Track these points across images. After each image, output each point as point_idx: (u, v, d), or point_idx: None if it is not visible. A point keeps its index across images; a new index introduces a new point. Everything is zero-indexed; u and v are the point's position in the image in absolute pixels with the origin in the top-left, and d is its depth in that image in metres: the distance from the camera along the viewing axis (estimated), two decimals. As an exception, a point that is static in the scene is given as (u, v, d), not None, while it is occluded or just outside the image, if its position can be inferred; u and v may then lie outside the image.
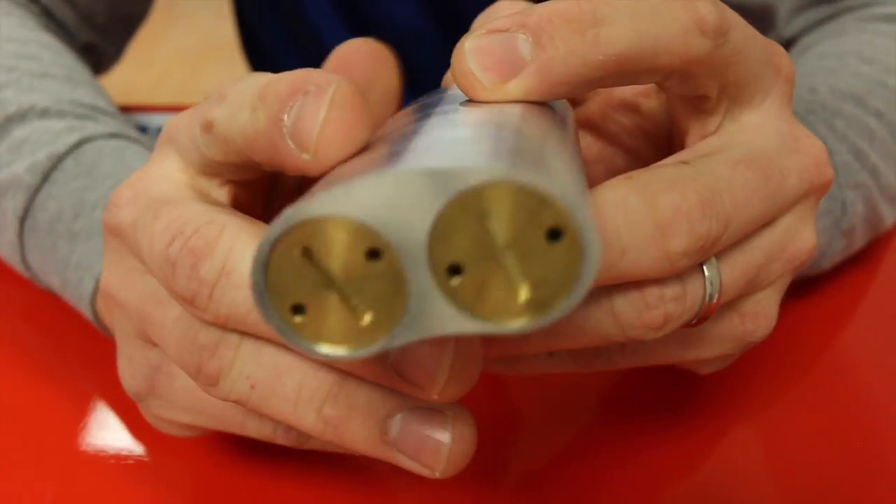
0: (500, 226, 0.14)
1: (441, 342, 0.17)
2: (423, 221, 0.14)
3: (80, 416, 0.28)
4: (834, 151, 0.32)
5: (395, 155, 0.15)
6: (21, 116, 0.32)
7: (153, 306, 0.20)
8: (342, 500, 0.25)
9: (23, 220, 0.30)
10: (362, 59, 0.25)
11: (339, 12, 0.57)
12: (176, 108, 0.45)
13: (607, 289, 0.19)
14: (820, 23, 0.43)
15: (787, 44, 0.45)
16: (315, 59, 0.59)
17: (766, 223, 0.21)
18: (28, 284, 0.33)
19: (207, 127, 0.19)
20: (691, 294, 0.19)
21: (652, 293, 0.19)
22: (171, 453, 0.27)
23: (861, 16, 0.41)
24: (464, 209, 0.14)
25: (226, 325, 0.18)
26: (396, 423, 0.18)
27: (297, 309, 0.15)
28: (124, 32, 0.48)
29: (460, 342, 0.17)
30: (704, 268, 0.20)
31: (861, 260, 0.35)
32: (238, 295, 0.18)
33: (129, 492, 0.25)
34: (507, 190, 0.13)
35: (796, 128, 0.22)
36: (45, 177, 0.30)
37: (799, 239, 0.21)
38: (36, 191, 0.30)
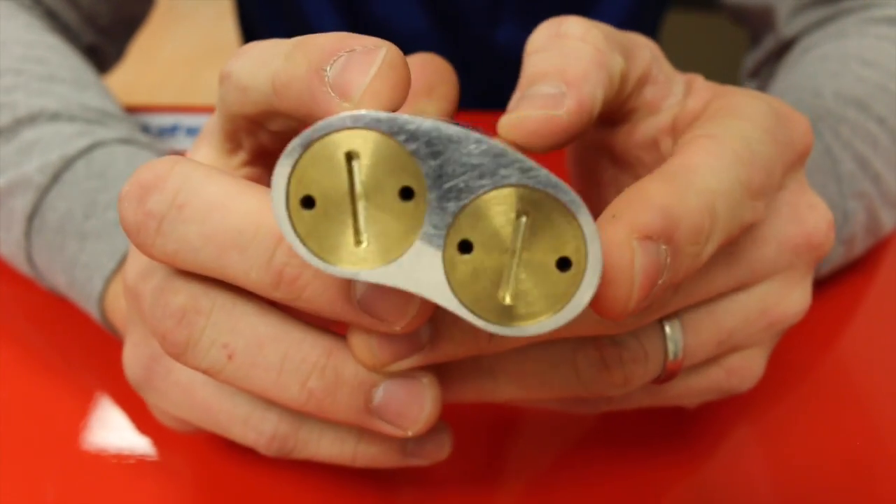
0: (527, 233, 0.15)
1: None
2: (468, 192, 0.14)
3: (81, 414, 0.28)
4: (838, 160, 0.32)
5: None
6: (31, 119, 0.32)
7: (140, 280, 0.20)
8: (343, 498, 0.25)
9: (31, 218, 0.31)
10: (425, 69, 0.24)
11: (339, 13, 0.57)
12: (176, 109, 0.45)
13: (571, 346, 0.20)
14: (820, 23, 0.43)
15: (788, 43, 0.45)
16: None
17: (738, 288, 0.21)
18: (30, 283, 0.33)
19: (225, 77, 0.19)
20: (652, 354, 0.20)
21: (611, 354, 0.20)
22: (173, 452, 0.27)
23: (862, 18, 0.41)
24: (504, 202, 0.14)
25: (174, 262, 0.18)
26: (380, 391, 0.19)
27: (307, 202, 0.15)
28: (126, 33, 0.48)
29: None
30: (667, 329, 0.20)
31: (861, 263, 0.35)
32: (190, 228, 0.17)
33: (131, 490, 0.26)
34: (551, 204, 0.14)
35: (798, 196, 0.21)
36: (56, 177, 0.31)
37: (784, 303, 0.21)
38: (46, 190, 0.30)
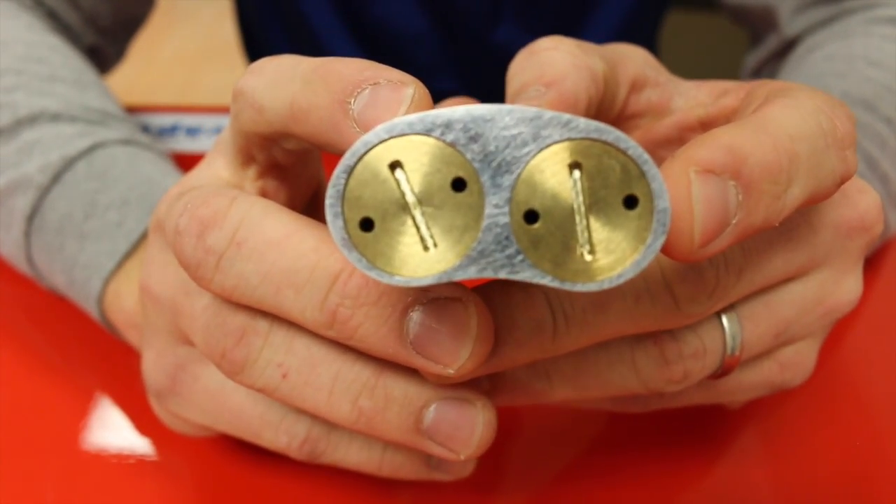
0: (584, 183, 0.14)
1: (463, 316, 0.17)
2: (517, 162, 0.14)
3: (81, 414, 0.28)
4: None
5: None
6: (32, 120, 0.32)
7: (183, 296, 0.20)
8: (344, 498, 0.25)
9: (31, 218, 0.31)
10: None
11: (339, 13, 0.57)
12: (176, 109, 0.45)
13: (629, 344, 0.20)
14: (824, 23, 0.43)
15: (791, 43, 0.45)
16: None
17: (795, 276, 0.21)
18: (30, 283, 0.33)
19: (239, 94, 0.19)
20: (711, 349, 0.20)
21: (671, 349, 0.20)
22: (173, 452, 0.27)
23: (866, 17, 0.41)
24: (554, 160, 0.14)
25: (231, 298, 0.18)
26: (431, 412, 0.18)
27: (366, 224, 0.15)
28: (127, 34, 0.48)
29: (479, 317, 0.17)
30: (725, 323, 0.20)
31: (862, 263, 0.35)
32: (248, 266, 0.18)
33: (131, 490, 0.26)
34: (599, 147, 0.14)
35: (852, 181, 0.21)
36: (57, 177, 0.31)
37: (839, 291, 0.21)
38: (46, 190, 0.30)
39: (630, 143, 0.14)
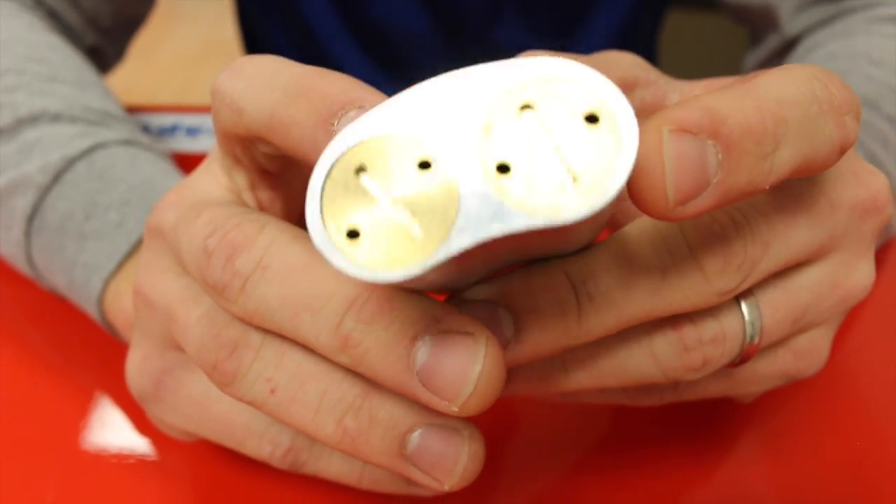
0: (544, 115, 0.14)
1: (471, 352, 0.17)
2: (471, 123, 0.14)
3: (81, 414, 0.28)
4: None
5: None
6: (32, 120, 0.32)
7: (179, 304, 0.20)
8: (343, 497, 0.25)
9: (31, 218, 0.31)
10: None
11: (339, 13, 0.57)
12: (176, 109, 0.45)
13: (647, 330, 0.19)
14: (825, 22, 0.43)
15: (792, 42, 0.45)
16: (315, 58, 0.59)
17: (813, 259, 0.20)
18: (30, 283, 0.33)
19: (216, 93, 0.19)
20: (730, 335, 0.19)
21: (690, 335, 0.19)
22: (173, 452, 0.27)
23: (867, 16, 0.41)
24: (505, 106, 0.14)
25: (251, 320, 0.18)
26: (415, 438, 0.18)
27: (352, 234, 0.15)
28: (127, 34, 0.48)
29: (488, 356, 0.17)
30: (744, 309, 0.20)
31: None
32: (270, 289, 0.18)
33: (131, 490, 0.26)
34: (540, 82, 0.14)
35: (857, 163, 0.21)
36: (57, 177, 0.31)
37: (854, 276, 0.21)
38: (46, 190, 0.30)
39: (571, 64, 0.14)
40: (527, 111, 0.14)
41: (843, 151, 0.18)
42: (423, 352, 0.17)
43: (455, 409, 0.17)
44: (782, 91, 0.17)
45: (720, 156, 0.16)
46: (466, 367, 0.16)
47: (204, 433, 0.22)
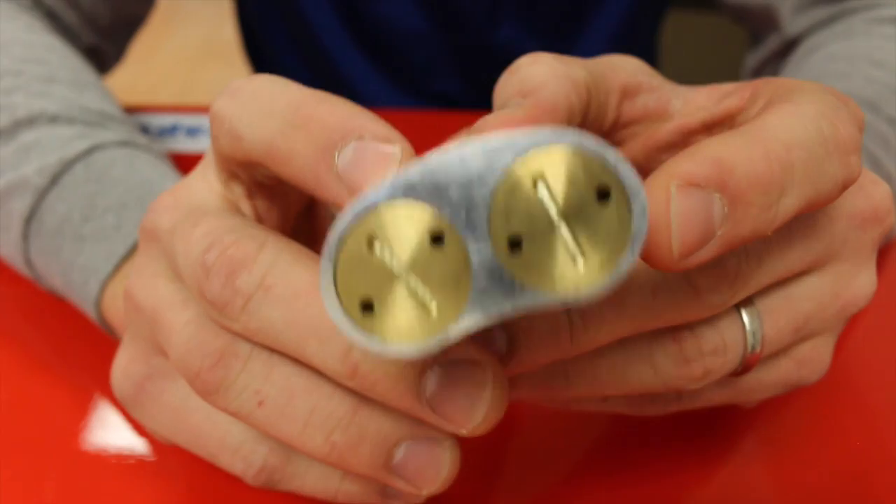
0: (555, 188, 0.14)
1: (479, 380, 0.17)
2: (483, 197, 0.14)
3: (81, 415, 0.28)
4: None
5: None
6: (30, 121, 0.32)
7: (167, 308, 0.20)
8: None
9: (29, 221, 0.31)
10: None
11: (339, 13, 0.57)
12: (176, 109, 0.45)
13: (647, 340, 0.19)
14: (825, 22, 0.43)
15: (792, 42, 0.45)
16: (315, 59, 0.59)
17: (812, 269, 0.20)
18: (30, 283, 0.33)
19: (214, 117, 0.19)
20: (731, 346, 0.20)
21: (690, 346, 0.19)
22: (173, 452, 0.27)
23: (868, 17, 0.41)
24: (517, 178, 0.14)
25: (253, 338, 0.18)
26: (401, 450, 0.19)
27: (366, 307, 0.15)
28: (126, 34, 0.48)
29: (495, 382, 0.17)
30: (745, 319, 0.20)
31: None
32: (275, 312, 0.18)
33: (130, 491, 0.26)
34: (553, 153, 0.14)
35: (864, 172, 0.21)
36: (55, 180, 0.31)
37: (854, 285, 0.21)
38: (44, 192, 0.30)
39: (585, 140, 0.14)
40: (539, 183, 0.14)
41: (845, 188, 0.18)
42: (432, 381, 0.17)
43: (465, 432, 0.17)
44: (790, 133, 0.17)
45: (726, 209, 0.16)
46: (475, 395, 0.17)
47: (180, 442, 0.22)
